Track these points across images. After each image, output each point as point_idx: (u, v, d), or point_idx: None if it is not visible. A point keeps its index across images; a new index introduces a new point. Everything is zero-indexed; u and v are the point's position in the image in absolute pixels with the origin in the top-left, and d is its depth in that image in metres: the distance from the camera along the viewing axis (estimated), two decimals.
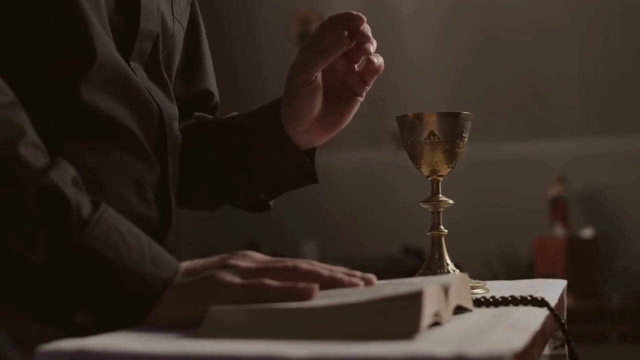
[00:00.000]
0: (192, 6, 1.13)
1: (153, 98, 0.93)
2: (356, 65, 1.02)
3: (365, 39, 0.98)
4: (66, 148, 0.82)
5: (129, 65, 0.91)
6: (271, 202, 1.15)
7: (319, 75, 1.00)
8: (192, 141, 1.10)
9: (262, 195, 1.13)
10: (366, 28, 0.99)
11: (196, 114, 1.17)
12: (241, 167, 1.09)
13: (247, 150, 1.08)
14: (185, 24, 1.08)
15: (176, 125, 1.00)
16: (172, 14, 1.01)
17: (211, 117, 1.17)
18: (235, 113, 1.16)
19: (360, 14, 0.99)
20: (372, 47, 0.99)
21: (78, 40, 0.84)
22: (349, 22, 0.98)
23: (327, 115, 1.04)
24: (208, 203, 1.18)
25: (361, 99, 1.04)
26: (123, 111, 0.88)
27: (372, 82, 1.03)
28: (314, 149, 1.09)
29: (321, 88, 1.01)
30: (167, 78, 0.99)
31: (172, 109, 0.99)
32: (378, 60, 1.00)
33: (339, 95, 1.03)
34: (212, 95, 1.18)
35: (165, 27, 0.99)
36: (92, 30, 0.84)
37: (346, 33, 0.96)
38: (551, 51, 6.75)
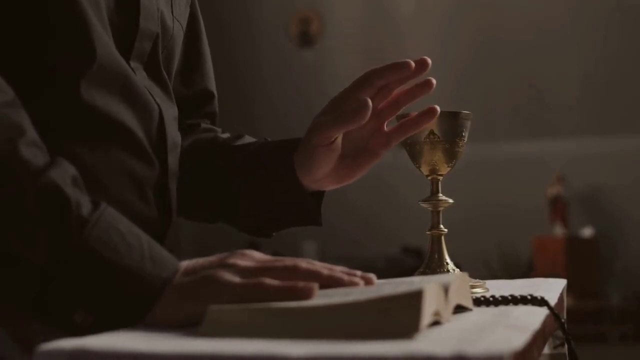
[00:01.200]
0: (192, 6, 1.13)
1: (153, 98, 0.93)
2: (385, 125, 1.00)
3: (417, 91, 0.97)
4: (66, 147, 0.82)
5: (129, 65, 0.91)
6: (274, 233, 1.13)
7: (339, 137, 0.98)
8: (202, 158, 1.10)
9: (264, 226, 1.12)
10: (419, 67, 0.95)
11: (204, 126, 1.16)
12: (246, 196, 1.08)
13: (254, 182, 1.07)
14: (184, 24, 1.08)
15: (176, 125, 1.00)
16: (172, 14, 1.01)
17: (224, 135, 1.16)
18: (248, 138, 1.15)
19: (407, 61, 0.94)
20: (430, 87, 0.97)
21: (78, 40, 0.84)
22: (386, 76, 0.95)
23: (340, 168, 1.02)
24: (207, 218, 1.18)
25: (379, 159, 1.02)
26: (123, 111, 0.88)
27: (392, 145, 1.00)
28: (322, 193, 1.07)
29: (339, 149, 0.99)
30: (166, 78, 0.99)
31: (171, 109, 0.99)
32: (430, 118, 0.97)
33: (357, 152, 1.01)
34: (212, 95, 1.18)
35: (165, 26, 0.99)
36: (92, 30, 0.84)
37: (370, 103, 0.91)
38: (551, 51, 6.76)
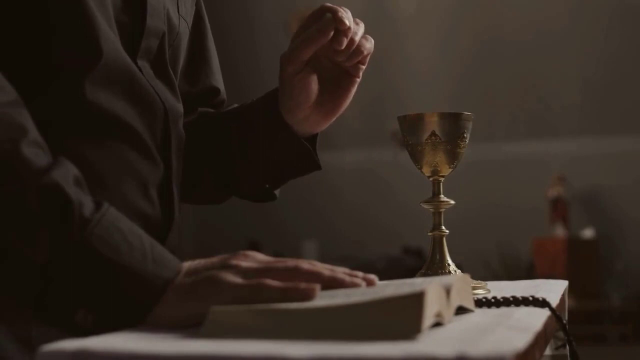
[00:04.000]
0: (197, 4, 1.14)
1: (159, 96, 0.94)
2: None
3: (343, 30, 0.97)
4: (70, 146, 0.82)
5: (136, 63, 0.91)
6: (276, 192, 1.15)
7: (310, 62, 1.00)
8: (194, 133, 1.10)
9: (266, 185, 1.13)
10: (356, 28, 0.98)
11: (200, 109, 1.17)
12: (243, 157, 1.10)
13: (248, 140, 1.09)
14: (190, 22, 1.09)
15: (181, 123, 1.00)
16: (178, 12, 1.02)
17: (213, 110, 1.17)
18: (235, 105, 1.17)
19: (354, 20, 0.97)
20: (358, 32, 0.98)
21: (84, 38, 0.84)
22: (336, 14, 0.97)
23: (326, 99, 1.04)
24: (213, 196, 1.19)
25: (359, 80, 1.04)
26: (128, 109, 0.89)
27: (366, 61, 1.02)
28: (315, 136, 1.09)
29: (313, 74, 1.02)
30: (172, 76, 0.99)
31: (177, 107, 0.99)
32: (369, 43, 1.00)
33: (337, 78, 1.03)
34: (217, 91, 1.19)
35: (171, 24, 0.99)
36: (98, 29, 0.85)
37: (332, 19, 0.95)
38: (551, 51, 6.75)
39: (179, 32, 1.02)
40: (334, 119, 1.06)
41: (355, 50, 0.99)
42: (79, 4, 0.83)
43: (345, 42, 0.97)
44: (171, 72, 0.99)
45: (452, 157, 0.99)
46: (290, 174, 1.12)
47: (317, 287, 0.69)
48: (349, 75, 1.03)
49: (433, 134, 0.98)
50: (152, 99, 0.92)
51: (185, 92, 1.08)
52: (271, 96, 1.07)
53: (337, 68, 1.03)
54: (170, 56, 0.99)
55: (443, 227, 1.00)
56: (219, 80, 1.19)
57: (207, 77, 1.17)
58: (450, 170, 1.00)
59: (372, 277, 0.76)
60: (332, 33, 0.95)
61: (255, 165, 1.10)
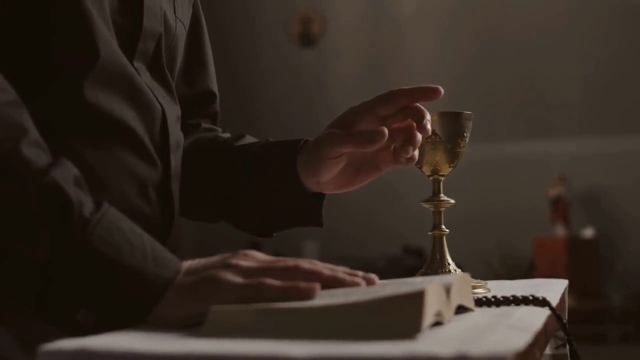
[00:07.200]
0: (195, 6, 1.14)
1: (156, 98, 0.94)
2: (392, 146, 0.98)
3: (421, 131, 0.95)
4: (68, 146, 0.82)
5: (133, 65, 0.91)
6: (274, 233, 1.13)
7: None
8: (203, 157, 1.10)
9: (265, 225, 1.12)
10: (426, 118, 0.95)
11: (205, 125, 1.17)
12: (248, 197, 1.09)
13: (256, 183, 1.08)
14: (187, 24, 1.09)
15: (179, 125, 1.00)
16: (174, 14, 1.02)
17: (225, 135, 1.16)
18: (249, 138, 1.15)
19: (438, 87, 0.95)
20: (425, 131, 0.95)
21: (81, 39, 0.84)
22: (410, 95, 0.95)
23: (343, 176, 1.02)
24: (209, 218, 1.18)
25: (381, 173, 1.02)
26: (126, 111, 0.89)
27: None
28: (322, 195, 1.07)
29: (345, 161, 1.00)
30: (170, 78, 0.99)
31: (174, 109, 0.99)
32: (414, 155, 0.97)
33: (361, 163, 1.02)
34: (214, 95, 1.19)
35: (168, 26, 0.99)
36: (95, 30, 0.85)
37: (386, 133, 0.92)
38: (551, 51, 6.76)
39: (176, 34, 1.01)
40: (344, 191, 1.04)
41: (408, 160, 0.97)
42: (77, 4, 0.84)
43: (411, 152, 0.95)
44: (168, 74, 0.99)
45: (452, 156, 0.99)
46: (291, 224, 1.11)
47: (317, 286, 0.69)
48: (374, 167, 1.01)
49: (433, 133, 0.98)
50: (149, 101, 0.92)
51: (183, 95, 1.08)
52: (291, 149, 1.05)
53: (366, 156, 1.00)
54: (167, 58, 0.99)
55: (443, 227, 1.00)
56: (214, 85, 1.18)
57: (205, 80, 1.17)
58: (451, 169, 1.00)
59: (372, 276, 0.76)
60: (382, 144, 0.92)
61: (258, 208, 1.09)
